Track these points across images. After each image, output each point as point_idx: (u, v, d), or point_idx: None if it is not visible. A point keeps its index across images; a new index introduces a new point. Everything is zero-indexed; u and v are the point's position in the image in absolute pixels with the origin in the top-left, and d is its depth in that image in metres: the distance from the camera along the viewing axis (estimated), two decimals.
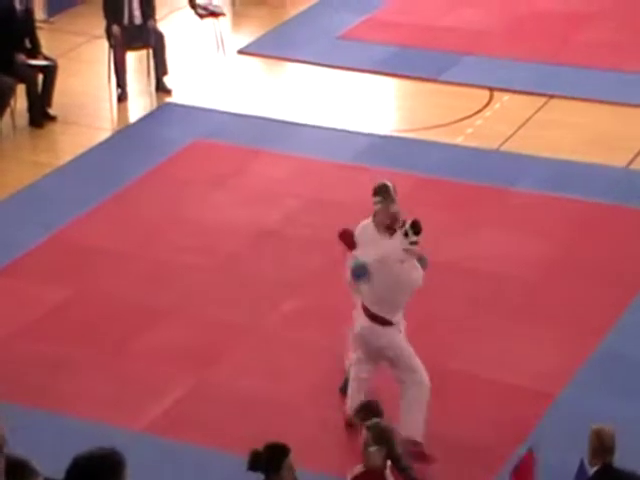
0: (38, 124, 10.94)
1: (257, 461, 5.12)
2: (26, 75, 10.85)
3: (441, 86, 11.61)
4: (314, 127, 10.79)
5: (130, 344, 8.07)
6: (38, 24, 11.67)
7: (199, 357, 7.95)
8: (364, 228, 7.46)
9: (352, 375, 7.25)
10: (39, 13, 12.39)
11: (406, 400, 6.96)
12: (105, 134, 10.94)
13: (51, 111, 11.08)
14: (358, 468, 5.18)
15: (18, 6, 10.92)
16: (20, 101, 10.94)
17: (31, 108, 10.95)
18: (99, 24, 11.75)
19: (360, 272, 7.14)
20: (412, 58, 12.10)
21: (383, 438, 5.16)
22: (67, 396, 7.54)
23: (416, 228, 6.84)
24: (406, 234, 6.86)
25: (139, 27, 11.51)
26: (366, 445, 5.13)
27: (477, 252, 8.98)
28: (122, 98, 11.51)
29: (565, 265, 8.85)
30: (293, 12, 13.37)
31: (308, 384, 7.68)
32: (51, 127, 11.00)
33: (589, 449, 5.30)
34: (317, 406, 7.44)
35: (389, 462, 5.21)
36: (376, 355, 7.13)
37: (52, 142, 10.90)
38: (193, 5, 12.65)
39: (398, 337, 7.12)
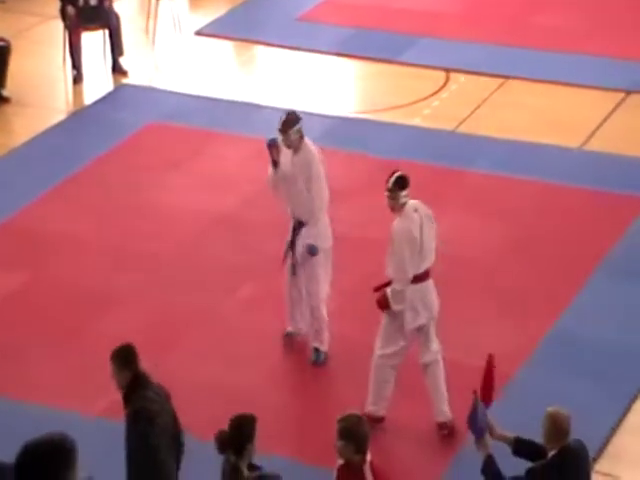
0: None
1: (226, 440, 5.17)
2: None
3: (398, 67, 11.61)
4: (272, 109, 10.74)
5: (85, 330, 8.01)
6: None
7: (155, 343, 7.90)
8: None
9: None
10: None
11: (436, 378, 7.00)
12: (60, 116, 10.83)
13: (4, 92, 10.95)
14: (340, 460, 5.15)
15: None
16: None
17: None
18: (53, 4, 11.62)
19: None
20: (369, 39, 12.09)
21: (350, 433, 5.08)
22: (21, 383, 7.48)
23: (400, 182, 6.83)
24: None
25: (94, 8, 11.39)
26: (336, 439, 5.08)
27: (438, 233, 8.98)
28: (77, 79, 11.39)
29: (522, 246, 8.90)
30: None
31: (266, 370, 7.66)
32: (4, 108, 10.87)
33: (544, 433, 5.31)
34: (274, 392, 7.43)
35: (369, 456, 5.10)
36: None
37: (5, 123, 10.77)
38: None
39: None
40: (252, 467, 5.27)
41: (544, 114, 10.80)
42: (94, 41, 11.65)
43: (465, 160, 10.04)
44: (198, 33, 12.44)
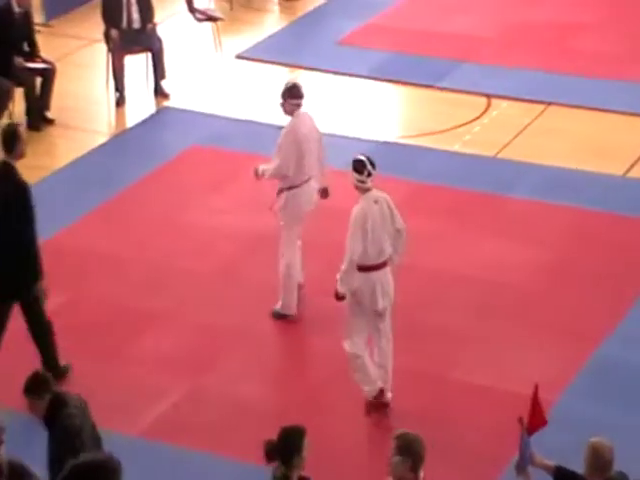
0: (36, 128, 10.94)
1: (274, 450, 5.21)
2: (24, 79, 10.86)
3: (439, 93, 11.63)
4: None
5: (125, 349, 8.07)
6: (36, 27, 11.67)
7: (194, 362, 7.95)
8: None
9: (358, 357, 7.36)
10: (37, 16, 12.39)
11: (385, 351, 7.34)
12: (102, 138, 10.95)
13: (49, 114, 11.09)
14: (389, 478, 5.09)
15: (16, 9, 10.91)
16: (18, 105, 10.95)
17: (29, 112, 10.96)
18: (98, 28, 11.76)
19: None
20: (410, 64, 12.11)
21: (410, 449, 5.03)
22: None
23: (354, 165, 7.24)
24: (369, 174, 7.25)
25: (137, 31, 11.52)
26: (391, 454, 5.01)
27: (473, 259, 8.99)
28: (120, 102, 11.51)
29: (562, 273, 8.86)
30: (292, 18, 13.39)
31: (304, 389, 7.67)
32: (49, 131, 11.00)
33: (586, 464, 5.23)
34: (313, 412, 7.43)
35: (422, 475, 5.05)
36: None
37: (50, 145, 10.90)
38: (192, 9, 12.67)
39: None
40: (302, 479, 5.30)
41: (586, 141, 10.76)
42: (137, 64, 11.78)
43: (505, 186, 10.02)
44: (239, 57, 12.54)
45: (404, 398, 7.55)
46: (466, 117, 11.18)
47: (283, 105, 8.31)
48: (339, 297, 7.33)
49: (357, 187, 7.29)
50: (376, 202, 7.30)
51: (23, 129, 7.94)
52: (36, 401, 5.66)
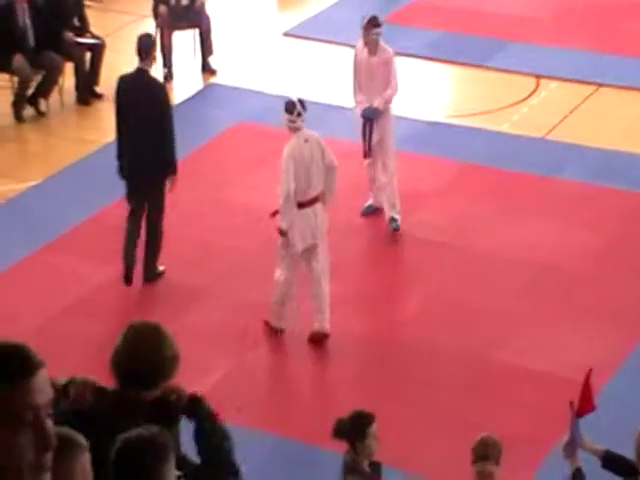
0: (85, 102, 11.01)
1: (341, 429, 5.23)
2: (74, 53, 10.91)
3: (487, 72, 11.53)
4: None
5: (171, 324, 8.05)
6: (87, 3, 11.72)
7: (239, 338, 7.98)
8: None
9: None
10: None
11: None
12: None
13: (98, 89, 11.14)
14: None
15: None
16: (68, 79, 11.00)
17: (78, 86, 11.02)
18: (147, 4, 11.77)
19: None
20: (458, 43, 12.02)
21: (499, 455, 5.02)
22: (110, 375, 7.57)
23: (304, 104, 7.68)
24: (299, 114, 7.62)
25: (186, 7, 11.51)
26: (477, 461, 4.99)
27: (521, 241, 8.92)
28: (168, 78, 11.53)
29: (611, 256, 8.77)
30: None
31: (347, 368, 7.68)
32: (98, 105, 11.05)
33: (636, 450, 5.19)
34: (356, 390, 7.44)
35: None
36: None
37: (98, 120, 10.95)
38: None
39: None
40: (373, 464, 5.31)
41: (637, 123, 10.62)
42: (185, 40, 11.79)
43: (554, 168, 9.93)
44: (286, 34, 12.50)
45: (452, 378, 7.54)
46: (514, 97, 11.08)
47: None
48: (282, 233, 7.65)
49: (289, 127, 7.68)
50: (306, 141, 7.64)
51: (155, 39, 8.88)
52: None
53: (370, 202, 9.26)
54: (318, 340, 7.76)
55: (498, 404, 7.28)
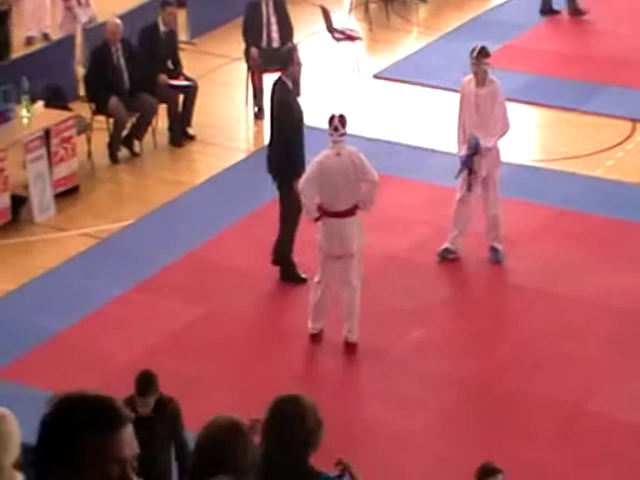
0: (178, 143, 11.17)
1: None
2: (168, 95, 11.09)
3: (581, 116, 11.41)
4: (446, 154, 10.71)
5: (258, 363, 8.13)
6: (181, 45, 11.92)
7: (324, 378, 7.96)
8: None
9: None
10: (182, 34, 12.67)
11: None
12: (241, 154, 11.10)
13: (190, 131, 11.30)
14: None
15: (162, 28, 11.17)
16: (161, 120, 11.19)
17: (171, 127, 11.19)
18: (238, 46, 11.94)
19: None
20: (552, 87, 11.92)
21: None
22: (200, 412, 7.61)
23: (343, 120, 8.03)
24: (336, 129, 7.97)
25: (277, 50, 11.64)
26: None
27: (614, 289, 8.75)
28: (259, 116, 11.67)
29: None
30: (429, 39, 13.34)
31: (436, 413, 7.59)
32: (190, 146, 11.21)
33: None
34: (443, 438, 7.35)
35: None
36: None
37: (190, 161, 11.11)
38: (330, 29, 12.74)
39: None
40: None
41: None
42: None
43: None
44: (376, 76, 12.55)
45: (541, 427, 7.40)
46: (609, 142, 10.93)
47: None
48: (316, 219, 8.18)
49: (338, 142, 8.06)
50: (338, 154, 7.97)
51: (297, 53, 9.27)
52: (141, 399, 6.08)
53: (447, 245, 9.15)
54: (347, 349, 8.01)
55: (588, 455, 7.12)
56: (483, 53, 8.88)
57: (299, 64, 8.99)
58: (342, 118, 8.00)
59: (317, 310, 8.24)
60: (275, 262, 9.08)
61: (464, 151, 8.97)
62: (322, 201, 8.06)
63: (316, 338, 8.24)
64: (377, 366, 8.05)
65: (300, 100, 11.74)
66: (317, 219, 8.18)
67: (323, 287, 8.21)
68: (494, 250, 9.03)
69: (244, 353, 8.27)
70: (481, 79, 8.92)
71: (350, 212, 8.06)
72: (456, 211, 9.08)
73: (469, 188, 8.95)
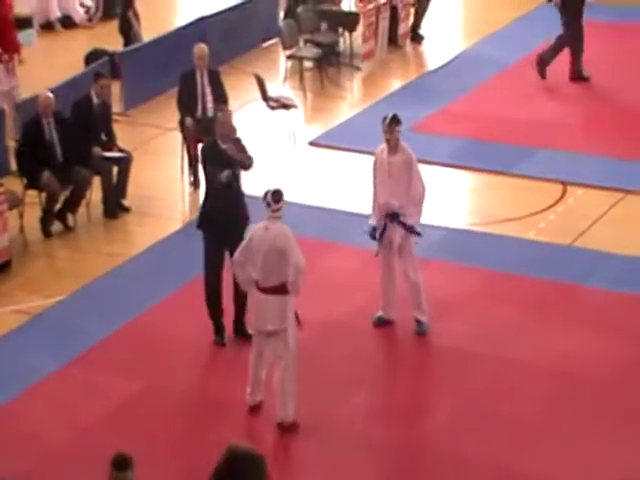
0: (112, 215, 11.12)
1: None
2: (101, 167, 11.06)
3: (513, 179, 11.58)
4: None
5: (199, 437, 8.02)
6: (115, 117, 11.93)
7: (266, 452, 7.84)
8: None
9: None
10: (116, 106, 12.68)
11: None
12: (177, 225, 11.07)
13: (125, 202, 11.26)
14: None
15: (95, 100, 11.17)
16: (95, 193, 11.15)
17: (106, 200, 11.14)
18: (173, 117, 11.98)
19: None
20: (484, 151, 12.10)
21: None
22: None
23: (276, 196, 7.93)
24: (268, 204, 7.89)
25: (212, 119, 11.67)
26: None
27: (548, 351, 8.82)
28: (196, 185, 11.68)
29: (638, 365, 8.62)
30: (364, 105, 13.50)
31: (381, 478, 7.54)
32: (125, 218, 11.16)
33: None
34: None
35: None
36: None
37: (126, 233, 11.05)
38: (265, 98, 12.84)
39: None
40: None
41: None
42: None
43: (581, 275, 9.86)
44: (312, 143, 12.65)
45: None
46: (541, 204, 11.08)
47: None
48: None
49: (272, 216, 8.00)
50: (267, 229, 7.94)
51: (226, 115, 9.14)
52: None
53: (380, 314, 9.20)
54: (282, 431, 7.98)
55: None
56: (395, 121, 8.97)
57: (225, 123, 8.91)
58: (275, 194, 7.93)
59: (255, 383, 8.21)
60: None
61: (372, 221, 9.03)
62: (255, 274, 8.04)
63: (254, 410, 8.17)
64: (318, 434, 7.99)
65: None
66: None
67: (257, 360, 8.17)
68: (417, 322, 9.07)
69: (185, 427, 8.16)
70: (393, 146, 9.01)
71: (275, 290, 7.91)
72: (382, 281, 9.13)
73: (377, 253, 9.06)
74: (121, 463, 5.78)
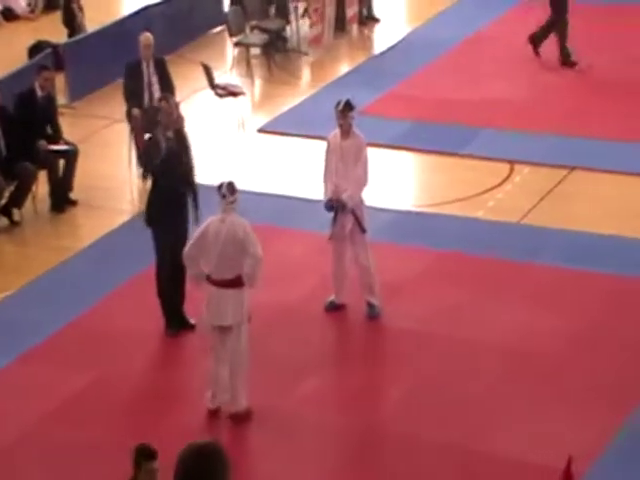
0: (60, 209, 11.02)
1: None
2: (47, 161, 10.95)
3: (461, 160, 11.62)
4: None
5: (152, 426, 8.00)
6: (60, 109, 11.81)
7: (218, 436, 7.86)
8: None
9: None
10: (61, 98, 12.56)
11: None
12: (126, 217, 10.99)
13: (72, 195, 11.16)
14: None
15: (39, 93, 11.05)
16: (41, 186, 11.04)
17: (52, 193, 11.04)
18: (120, 108, 11.88)
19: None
20: (431, 132, 12.14)
21: None
22: None
23: (231, 188, 7.89)
24: (224, 196, 7.82)
25: (159, 109, 11.60)
26: None
27: (498, 328, 8.88)
28: (145, 176, 11.57)
29: (590, 340, 8.72)
30: (313, 90, 13.48)
31: (328, 468, 7.55)
32: (73, 211, 11.07)
33: None
34: None
35: None
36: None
37: (74, 226, 10.96)
38: (213, 86, 12.78)
39: None
40: None
41: (611, 205, 10.67)
42: None
43: (529, 253, 9.93)
44: (261, 130, 12.61)
45: (434, 471, 7.41)
46: (489, 184, 11.13)
47: None
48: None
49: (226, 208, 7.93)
50: (222, 221, 7.86)
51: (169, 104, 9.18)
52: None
53: (332, 298, 9.21)
54: (234, 420, 7.92)
55: None
56: (348, 106, 8.99)
57: (169, 113, 8.88)
58: (230, 185, 7.90)
59: (216, 384, 7.97)
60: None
61: (326, 201, 9.06)
62: (207, 268, 7.94)
63: (215, 413, 7.99)
64: (269, 421, 7.99)
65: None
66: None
67: (214, 360, 7.99)
68: (370, 305, 9.08)
69: (139, 417, 8.13)
70: (345, 131, 9.03)
71: (230, 283, 7.86)
72: (333, 266, 9.15)
73: (330, 237, 9.05)
74: (149, 453, 5.80)
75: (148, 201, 9.14)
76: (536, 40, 13.65)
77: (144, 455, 5.86)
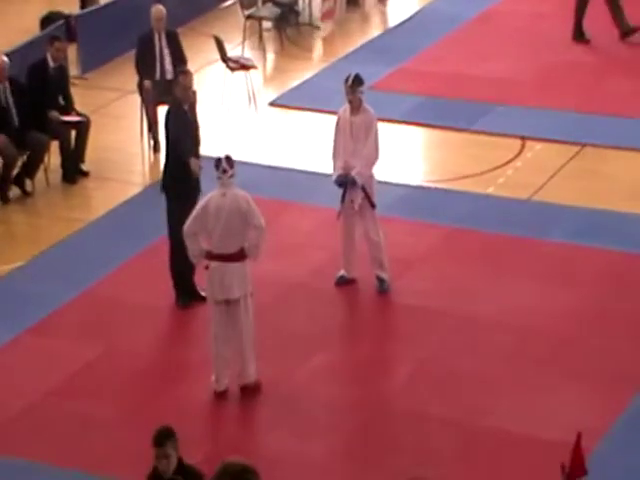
0: (71, 180, 11.05)
1: None
2: (59, 132, 10.97)
3: (472, 136, 11.60)
4: None
5: (161, 400, 8.05)
6: (72, 80, 11.81)
7: (227, 413, 7.91)
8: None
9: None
10: (73, 69, 12.56)
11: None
12: (137, 189, 11.02)
13: (84, 167, 11.18)
14: None
15: (51, 64, 11.05)
16: (53, 157, 11.06)
17: (64, 164, 11.06)
18: (131, 79, 11.88)
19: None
20: (443, 108, 12.11)
21: None
22: (100, 455, 7.52)
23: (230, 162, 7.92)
24: (224, 171, 7.89)
25: (171, 81, 11.59)
26: None
27: (508, 304, 8.89)
28: (156, 148, 11.61)
29: (597, 317, 8.74)
30: (324, 64, 13.45)
31: (336, 441, 7.59)
32: (84, 183, 11.09)
33: None
34: (345, 462, 7.35)
35: None
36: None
37: (85, 198, 10.99)
38: (225, 59, 12.76)
39: None
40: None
41: (622, 181, 10.65)
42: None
43: (540, 229, 9.93)
44: (272, 104, 12.60)
45: (440, 446, 7.46)
46: (500, 160, 11.12)
47: None
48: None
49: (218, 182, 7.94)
50: (224, 195, 7.86)
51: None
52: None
53: (342, 273, 9.20)
54: (245, 393, 7.96)
55: (487, 471, 7.19)
56: (357, 81, 8.95)
57: (187, 88, 8.90)
58: (229, 160, 7.91)
59: (220, 366, 7.97)
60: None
61: (336, 177, 9.03)
62: (207, 243, 7.96)
63: (222, 395, 7.98)
64: (278, 395, 8.03)
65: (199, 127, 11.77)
66: (206, 267, 7.97)
67: (218, 338, 7.99)
68: (379, 280, 9.09)
69: (145, 390, 8.18)
70: (355, 107, 8.99)
71: (234, 257, 7.88)
72: (342, 240, 9.14)
73: (338, 214, 9.04)
74: (159, 439, 5.81)
75: (164, 170, 9.17)
76: (623, 27, 13.29)
77: (154, 441, 5.86)
